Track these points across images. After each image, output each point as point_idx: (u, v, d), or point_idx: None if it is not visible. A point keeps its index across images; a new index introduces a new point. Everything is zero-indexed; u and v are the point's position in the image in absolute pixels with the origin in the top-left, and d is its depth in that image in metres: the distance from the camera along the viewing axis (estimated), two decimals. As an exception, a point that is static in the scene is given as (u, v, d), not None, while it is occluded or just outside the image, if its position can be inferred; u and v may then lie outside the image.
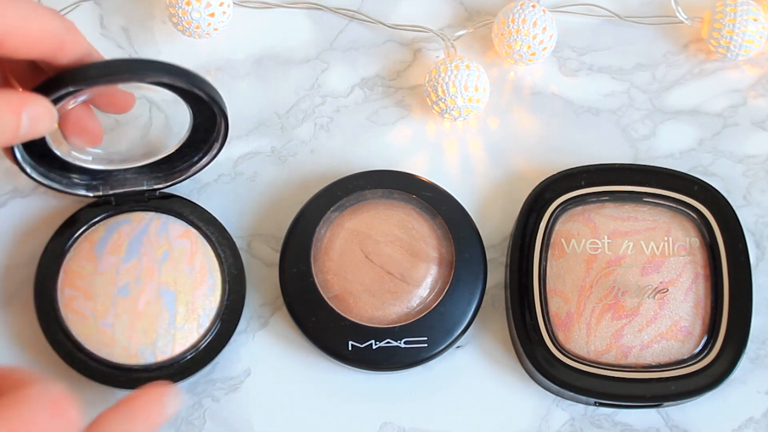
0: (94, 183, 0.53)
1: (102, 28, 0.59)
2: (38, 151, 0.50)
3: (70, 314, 0.52)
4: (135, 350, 0.52)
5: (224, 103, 0.49)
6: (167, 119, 0.53)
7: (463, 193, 0.55)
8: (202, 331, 0.53)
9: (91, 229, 0.54)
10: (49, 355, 0.52)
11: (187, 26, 0.56)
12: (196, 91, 0.47)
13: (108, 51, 0.58)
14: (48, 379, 0.38)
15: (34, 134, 0.44)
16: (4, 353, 0.54)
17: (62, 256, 0.53)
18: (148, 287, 0.52)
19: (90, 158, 0.53)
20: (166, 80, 0.46)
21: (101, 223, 0.54)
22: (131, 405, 0.43)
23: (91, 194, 0.53)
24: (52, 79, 0.44)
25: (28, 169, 0.50)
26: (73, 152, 0.52)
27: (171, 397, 0.44)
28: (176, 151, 0.53)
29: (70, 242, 0.53)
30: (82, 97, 0.49)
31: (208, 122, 0.51)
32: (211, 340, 0.53)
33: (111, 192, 0.53)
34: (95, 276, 0.52)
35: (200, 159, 0.53)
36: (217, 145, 0.52)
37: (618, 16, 0.59)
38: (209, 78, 0.58)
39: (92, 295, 0.52)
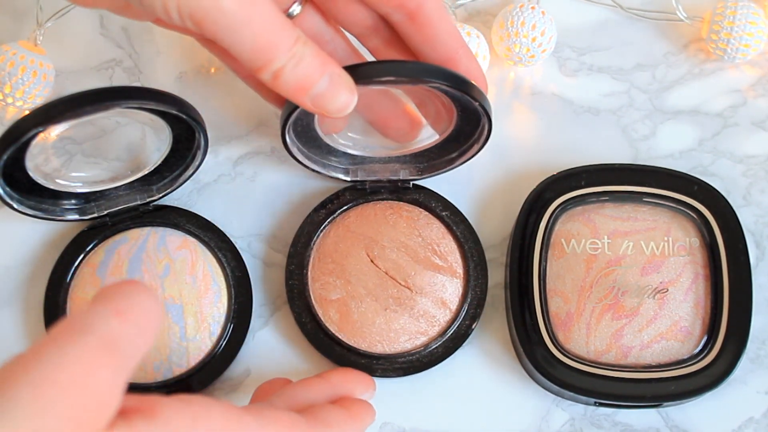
0: (87, 206, 0.53)
1: (102, 28, 0.59)
2: (25, 185, 0.50)
3: None
4: (151, 368, 0.51)
5: (194, 113, 0.48)
6: (150, 132, 0.53)
7: (463, 192, 0.56)
8: (214, 338, 0.53)
9: (90, 253, 0.53)
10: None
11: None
12: (161, 109, 0.47)
13: (108, 51, 0.59)
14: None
15: (322, 107, 0.43)
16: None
17: (67, 287, 0.53)
18: None
19: (81, 183, 0.53)
20: (133, 105, 0.46)
21: (100, 245, 0.54)
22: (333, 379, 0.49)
23: (85, 218, 0.53)
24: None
25: (15, 204, 0.50)
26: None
27: (362, 375, 0.50)
28: (162, 162, 0.52)
29: (72, 271, 0.53)
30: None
31: (186, 132, 0.50)
32: (225, 345, 0.53)
33: (105, 212, 0.53)
34: None
35: (187, 167, 0.53)
36: (200, 153, 0.52)
37: (621, 6, 0.59)
38: (209, 77, 0.58)
39: None
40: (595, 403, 0.52)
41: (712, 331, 0.52)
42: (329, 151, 0.53)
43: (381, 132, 0.54)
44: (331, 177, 0.54)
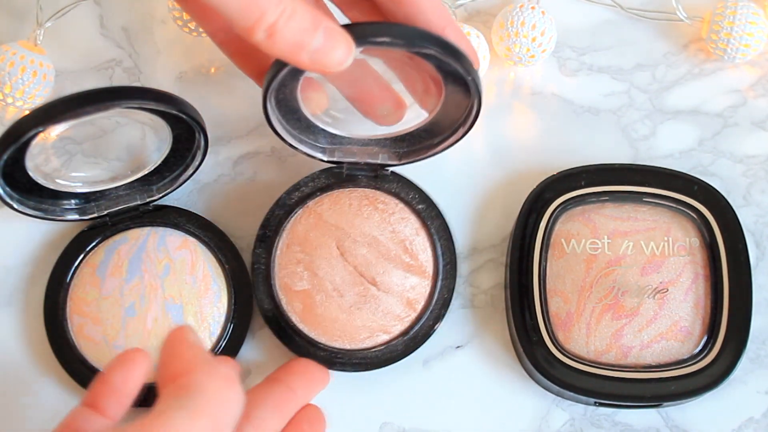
0: (87, 206, 0.53)
1: (102, 28, 0.59)
2: (25, 185, 0.50)
3: (83, 341, 0.52)
4: (151, 368, 0.51)
5: (194, 113, 0.48)
6: (150, 132, 0.53)
7: (463, 192, 0.56)
8: (214, 338, 0.53)
9: (90, 253, 0.53)
10: (71, 384, 0.53)
11: (193, 27, 0.56)
12: (161, 109, 0.47)
13: (108, 51, 0.59)
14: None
15: (321, 63, 0.41)
16: (14, 356, 0.54)
17: (67, 287, 0.53)
18: (153, 304, 0.52)
19: (81, 183, 0.53)
20: (133, 105, 0.45)
21: (100, 245, 0.54)
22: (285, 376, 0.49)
23: (85, 218, 0.53)
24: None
25: (15, 204, 0.50)
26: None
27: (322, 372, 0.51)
28: (162, 162, 0.52)
29: (72, 271, 0.53)
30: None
31: (186, 132, 0.50)
32: (225, 345, 0.53)
33: (105, 212, 0.53)
34: (101, 301, 0.52)
35: (187, 167, 0.53)
36: (200, 153, 0.52)
37: (621, 6, 0.59)
38: (209, 77, 0.58)
39: (100, 319, 0.52)
40: (595, 403, 0.52)
41: (712, 331, 0.52)
42: (308, 126, 0.51)
43: (364, 112, 0.52)
44: (308, 155, 0.52)
